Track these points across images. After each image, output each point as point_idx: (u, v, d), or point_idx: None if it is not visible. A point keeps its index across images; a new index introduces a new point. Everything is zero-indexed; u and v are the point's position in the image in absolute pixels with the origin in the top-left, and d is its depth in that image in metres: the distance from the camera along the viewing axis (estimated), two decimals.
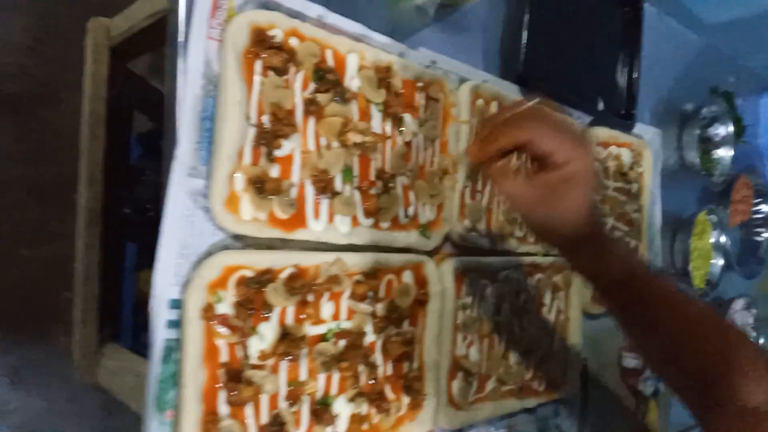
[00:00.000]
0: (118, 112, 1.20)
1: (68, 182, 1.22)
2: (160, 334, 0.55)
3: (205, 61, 0.56)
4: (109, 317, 1.22)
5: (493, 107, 0.84)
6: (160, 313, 0.55)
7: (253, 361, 0.58)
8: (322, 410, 0.63)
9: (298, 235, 0.62)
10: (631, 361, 1.09)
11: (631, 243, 1.10)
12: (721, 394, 0.55)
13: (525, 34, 0.89)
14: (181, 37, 0.54)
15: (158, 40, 1.12)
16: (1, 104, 1.17)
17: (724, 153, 1.39)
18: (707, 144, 1.40)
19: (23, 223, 1.20)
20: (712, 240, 1.34)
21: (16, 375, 1.18)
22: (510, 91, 0.88)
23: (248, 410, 0.57)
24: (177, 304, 0.55)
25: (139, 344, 1.27)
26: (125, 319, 1.27)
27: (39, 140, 1.21)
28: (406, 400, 0.72)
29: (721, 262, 1.34)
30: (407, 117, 0.72)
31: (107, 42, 1.11)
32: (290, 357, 0.61)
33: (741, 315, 1.42)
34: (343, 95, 0.65)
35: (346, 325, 0.66)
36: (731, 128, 1.39)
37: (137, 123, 1.35)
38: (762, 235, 1.54)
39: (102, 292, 1.16)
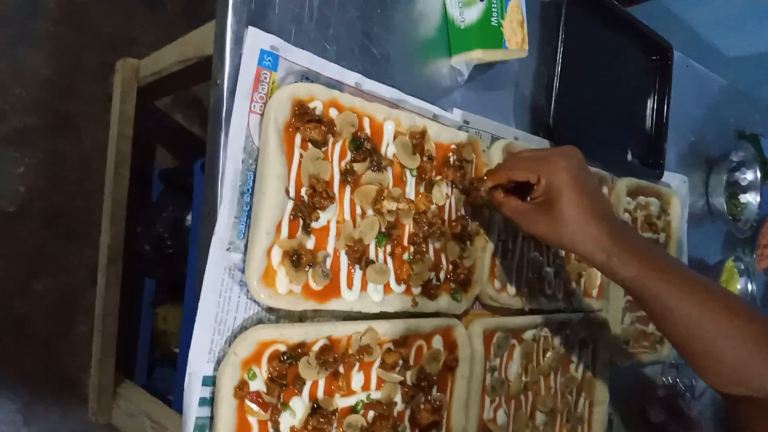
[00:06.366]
0: (141, 148, 1.20)
1: (85, 216, 1.22)
2: (192, 412, 0.54)
3: (246, 134, 0.55)
4: (125, 353, 1.22)
5: None
6: (193, 391, 0.54)
7: None
8: None
9: (332, 305, 0.61)
10: (656, 414, 1.06)
11: None
12: (742, 381, 0.60)
13: (555, 88, 0.88)
14: (224, 112, 0.54)
15: (187, 83, 1.13)
16: (22, 137, 1.17)
17: (751, 198, 1.37)
18: (734, 188, 1.38)
19: (38, 255, 1.19)
20: (739, 287, 1.32)
21: (28, 410, 1.17)
22: (542, 146, 0.87)
23: None
24: (210, 381, 0.54)
25: (154, 381, 1.27)
26: (140, 355, 1.27)
27: (57, 173, 1.21)
28: None
29: None
30: (440, 181, 0.72)
31: (135, 82, 1.11)
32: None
33: None
34: (379, 163, 0.64)
35: (376, 395, 0.65)
36: (758, 173, 1.37)
37: (159, 157, 1.36)
38: None
39: (119, 329, 1.16)
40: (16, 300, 1.16)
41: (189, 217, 1.19)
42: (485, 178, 0.71)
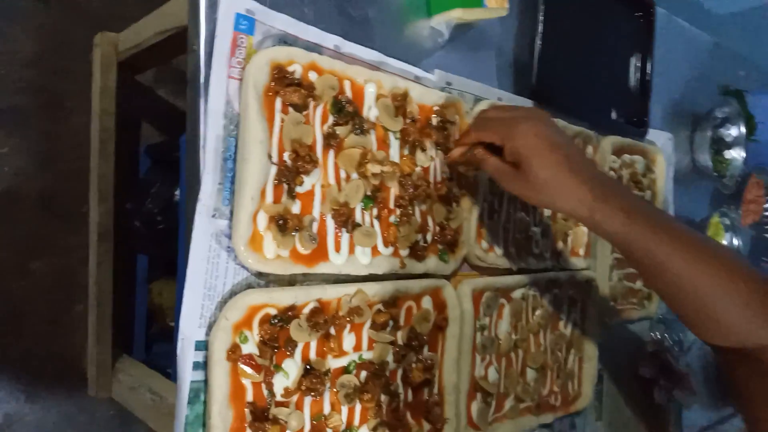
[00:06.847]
0: (126, 125, 1.19)
1: (78, 195, 1.22)
2: (187, 377, 0.55)
3: (226, 100, 0.55)
4: (122, 330, 1.23)
5: None
6: (186, 356, 0.55)
7: (278, 398, 0.59)
8: None
9: (321, 269, 0.62)
10: (646, 370, 1.09)
11: None
12: (736, 339, 0.59)
13: (538, 48, 0.88)
14: (201, 78, 0.54)
15: (167, 55, 1.12)
16: (10, 117, 1.16)
17: (736, 154, 1.38)
18: (719, 145, 1.39)
19: (33, 236, 1.19)
20: (725, 242, 1.34)
21: (30, 388, 1.18)
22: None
23: None
24: (203, 346, 0.55)
25: (152, 356, 1.28)
26: (137, 331, 1.28)
27: (47, 153, 1.20)
28: (426, 426, 0.72)
29: None
30: (424, 142, 0.72)
31: (115, 56, 1.10)
32: (314, 392, 0.61)
33: None
34: (361, 126, 0.64)
35: (368, 355, 0.66)
36: (743, 129, 1.37)
37: (145, 134, 1.35)
38: None
39: (114, 305, 1.17)
40: (14, 282, 1.16)
41: (178, 192, 1.19)
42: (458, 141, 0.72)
